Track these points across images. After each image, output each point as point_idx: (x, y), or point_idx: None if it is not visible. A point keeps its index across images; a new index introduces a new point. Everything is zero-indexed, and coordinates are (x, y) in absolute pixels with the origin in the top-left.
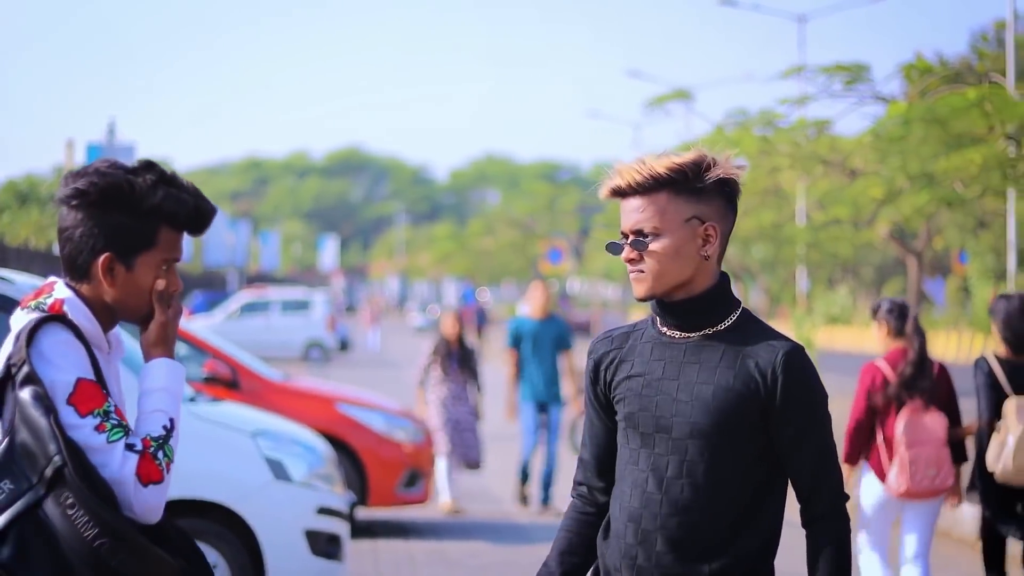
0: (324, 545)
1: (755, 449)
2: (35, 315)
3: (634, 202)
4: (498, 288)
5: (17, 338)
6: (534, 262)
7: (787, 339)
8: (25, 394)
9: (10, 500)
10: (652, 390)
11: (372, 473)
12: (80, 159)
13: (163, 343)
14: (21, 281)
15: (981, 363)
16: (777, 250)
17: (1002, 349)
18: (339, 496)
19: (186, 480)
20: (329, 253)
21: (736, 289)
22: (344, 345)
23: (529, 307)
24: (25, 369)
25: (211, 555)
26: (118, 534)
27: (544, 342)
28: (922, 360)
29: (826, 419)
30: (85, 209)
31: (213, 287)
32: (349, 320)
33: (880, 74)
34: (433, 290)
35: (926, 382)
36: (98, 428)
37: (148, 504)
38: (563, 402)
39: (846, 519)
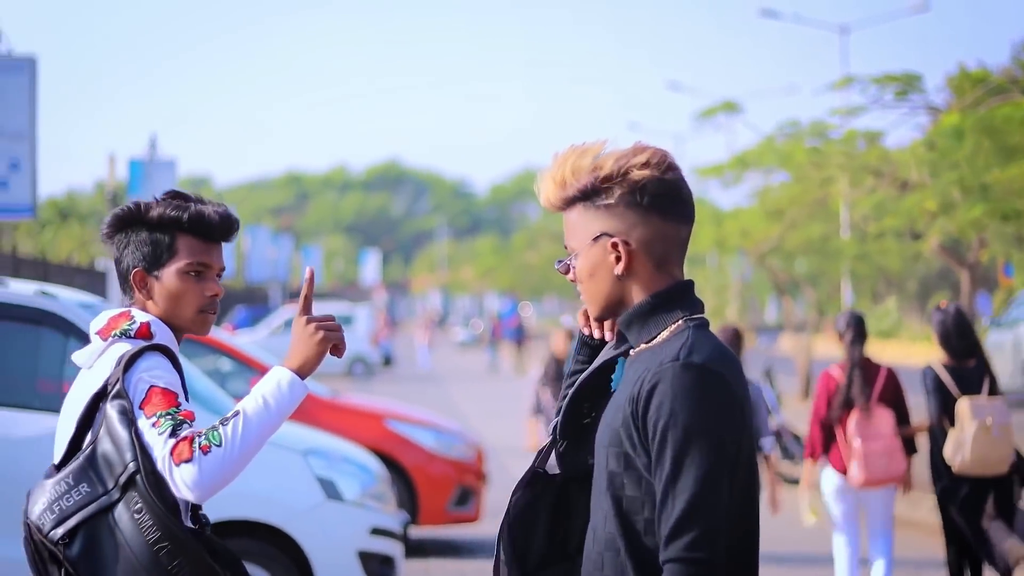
0: (377, 566)
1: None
2: (127, 342)
3: (563, 218)
4: (540, 303)
5: (118, 362)
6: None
7: (688, 353)
8: (112, 408)
9: (85, 503)
10: (603, 412)
11: (423, 491)
12: (122, 175)
13: (291, 357)
14: (64, 297)
15: (928, 371)
16: (824, 263)
17: (945, 357)
18: (392, 516)
19: (236, 500)
20: (371, 268)
21: (782, 303)
22: (388, 360)
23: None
24: (117, 386)
25: None
26: (177, 540)
27: None
28: (859, 367)
29: (687, 454)
30: (112, 238)
31: (256, 302)
32: (395, 335)
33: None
34: (476, 305)
35: (863, 386)
36: (154, 424)
37: (180, 480)
38: None
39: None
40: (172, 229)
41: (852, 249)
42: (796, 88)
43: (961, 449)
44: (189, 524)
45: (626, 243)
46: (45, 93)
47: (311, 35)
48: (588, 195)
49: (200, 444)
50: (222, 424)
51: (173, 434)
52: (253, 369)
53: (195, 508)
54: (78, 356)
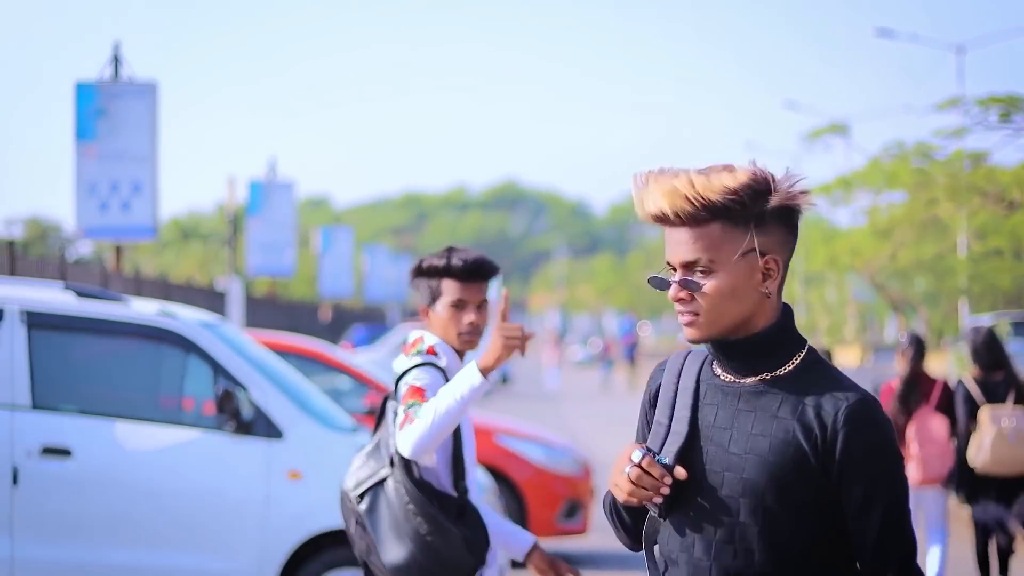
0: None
1: (818, 515)
2: (417, 359)
3: (683, 232)
4: (659, 321)
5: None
6: None
7: (857, 389)
8: (389, 408)
9: (371, 474)
10: (702, 439)
11: (532, 504)
12: (241, 196)
13: (482, 356)
14: (184, 316)
15: (959, 385)
16: (938, 282)
17: (975, 370)
18: None
19: None
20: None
21: (897, 322)
22: (504, 379)
23: None
24: (392, 393)
25: None
26: (419, 503)
27: None
28: (912, 380)
29: (898, 483)
30: (413, 282)
31: (374, 321)
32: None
33: None
34: (594, 323)
35: (917, 397)
36: (404, 409)
37: (398, 442)
38: None
39: None
40: (437, 275)
41: (966, 268)
42: (909, 108)
43: (981, 451)
44: (451, 491)
45: (776, 261)
46: (169, 116)
47: (430, 56)
48: (741, 207)
49: (412, 416)
50: (428, 401)
51: (406, 412)
52: (368, 387)
53: (458, 480)
54: (395, 364)
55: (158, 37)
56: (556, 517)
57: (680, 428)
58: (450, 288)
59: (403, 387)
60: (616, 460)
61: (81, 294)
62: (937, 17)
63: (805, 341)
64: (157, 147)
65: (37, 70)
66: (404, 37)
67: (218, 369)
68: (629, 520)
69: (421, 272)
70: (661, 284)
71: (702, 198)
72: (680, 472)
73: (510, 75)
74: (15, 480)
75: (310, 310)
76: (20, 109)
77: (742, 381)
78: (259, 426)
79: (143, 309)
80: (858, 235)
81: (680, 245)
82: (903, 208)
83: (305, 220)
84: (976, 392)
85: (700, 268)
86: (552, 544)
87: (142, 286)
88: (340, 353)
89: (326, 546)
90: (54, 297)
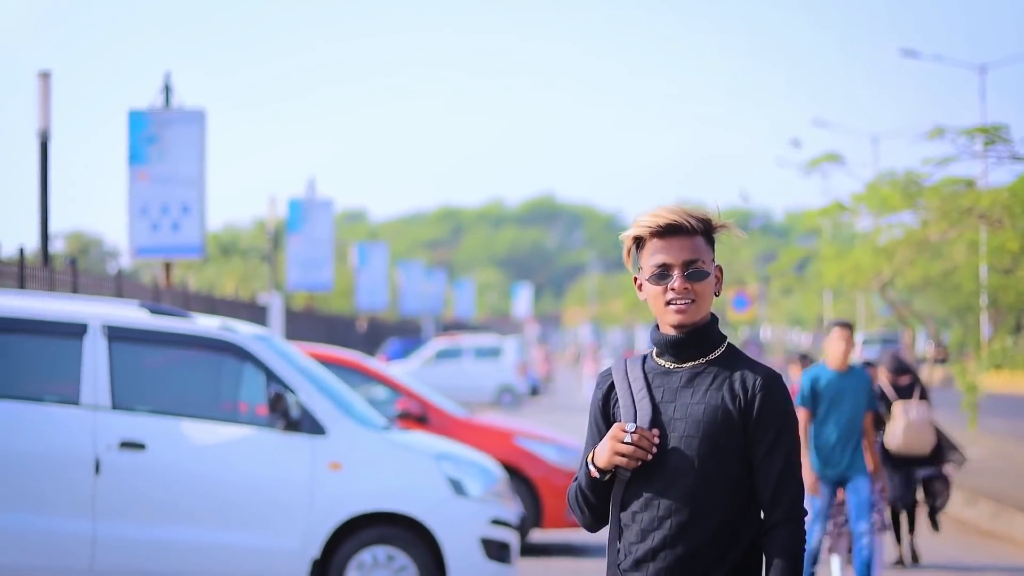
0: (497, 551)
1: (737, 463)
2: None
3: (683, 240)
4: None
5: None
6: (721, 309)
7: (767, 367)
8: None
9: None
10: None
11: (546, 499)
12: (281, 213)
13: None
14: (242, 330)
15: (876, 386)
16: (945, 299)
17: (888, 375)
18: (510, 509)
19: (379, 495)
20: (523, 301)
21: (926, 336)
22: (535, 391)
23: (828, 356)
24: None
25: (401, 558)
26: None
27: (845, 400)
28: None
29: (794, 438)
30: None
31: (408, 334)
32: (551, 367)
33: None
34: (627, 337)
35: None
36: None
37: None
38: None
39: (802, 529)
40: None
41: (970, 285)
42: (908, 131)
43: (895, 436)
44: None
45: (721, 270)
46: (211, 135)
47: (466, 73)
48: (708, 229)
49: None
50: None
51: None
52: (400, 393)
53: None
54: None
55: (204, 61)
56: (567, 511)
57: (644, 405)
58: None
59: None
60: (608, 442)
61: (153, 311)
62: (963, 38)
63: (726, 336)
64: (205, 170)
65: (84, 95)
66: (440, 55)
67: (270, 375)
68: (595, 500)
69: None
70: (664, 278)
71: (697, 217)
72: (656, 432)
73: (547, 91)
74: (97, 470)
75: (347, 323)
76: (68, 131)
77: (682, 366)
78: (305, 424)
79: (206, 324)
80: (860, 255)
81: (683, 250)
82: (903, 229)
83: (342, 234)
84: (889, 391)
85: (695, 267)
86: (563, 536)
87: (190, 301)
88: (376, 363)
89: (362, 526)
90: (130, 314)
